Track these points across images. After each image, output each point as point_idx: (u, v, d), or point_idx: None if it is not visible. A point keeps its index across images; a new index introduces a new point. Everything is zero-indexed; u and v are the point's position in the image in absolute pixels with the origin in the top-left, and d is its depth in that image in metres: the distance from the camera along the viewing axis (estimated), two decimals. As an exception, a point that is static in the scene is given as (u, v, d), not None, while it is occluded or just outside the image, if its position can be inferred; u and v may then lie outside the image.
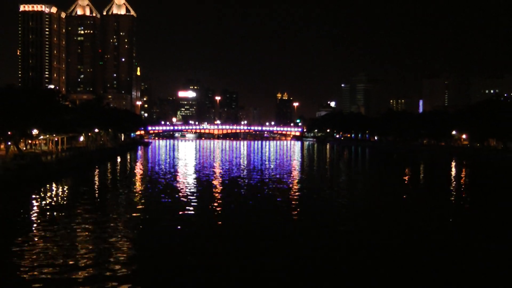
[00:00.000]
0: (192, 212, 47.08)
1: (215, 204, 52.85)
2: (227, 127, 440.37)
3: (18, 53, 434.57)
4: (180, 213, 46.61)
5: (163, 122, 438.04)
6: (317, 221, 43.39)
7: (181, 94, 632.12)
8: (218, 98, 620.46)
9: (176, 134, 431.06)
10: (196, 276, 27.46)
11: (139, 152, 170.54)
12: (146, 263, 29.79)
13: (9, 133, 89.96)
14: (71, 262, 29.13)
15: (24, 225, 41.04)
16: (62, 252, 31.51)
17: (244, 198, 58.13)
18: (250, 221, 43.02)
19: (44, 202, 53.35)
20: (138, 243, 34.78)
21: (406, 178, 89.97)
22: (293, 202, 54.88)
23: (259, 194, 61.50)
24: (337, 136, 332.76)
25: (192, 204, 52.31)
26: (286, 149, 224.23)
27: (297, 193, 62.95)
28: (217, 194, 61.42)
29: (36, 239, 35.07)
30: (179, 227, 39.93)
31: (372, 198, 61.77)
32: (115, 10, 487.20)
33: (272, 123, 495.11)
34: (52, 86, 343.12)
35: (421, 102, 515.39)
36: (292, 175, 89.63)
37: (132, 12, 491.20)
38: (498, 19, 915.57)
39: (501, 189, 71.80)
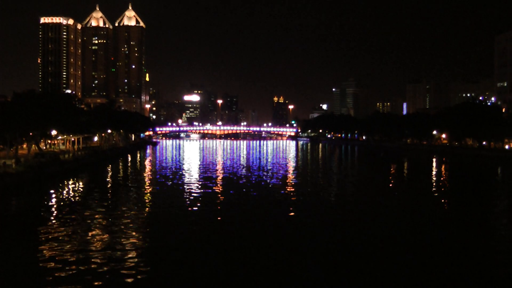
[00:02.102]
0: (199, 202, 47.25)
1: (220, 194, 53.25)
2: (228, 128, 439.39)
3: (38, 61, 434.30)
4: (187, 203, 46.98)
5: (169, 124, 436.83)
6: (311, 205, 44.47)
7: (186, 97, 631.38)
8: (220, 101, 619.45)
9: (182, 135, 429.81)
10: (203, 264, 27.71)
11: (148, 151, 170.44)
12: (154, 250, 30.14)
13: (30, 133, 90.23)
14: (87, 249, 29.47)
15: (45, 216, 41.32)
16: (79, 240, 31.89)
17: (245, 189, 58.57)
18: (252, 209, 43.73)
19: (62, 196, 53.70)
20: (148, 232, 35.16)
21: (392, 172, 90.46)
22: (289, 190, 55.53)
23: (258, 183, 61.96)
24: (329, 136, 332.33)
25: (199, 195, 52.57)
26: (282, 147, 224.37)
27: (292, 182, 63.46)
28: (221, 185, 61.71)
29: (55, 229, 35.38)
30: (187, 217, 40.31)
31: (360, 187, 62.34)
32: (126, 22, 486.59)
33: (269, 124, 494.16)
34: (69, 91, 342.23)
35: (405, 105, 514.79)
36: (287, 169, 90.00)
37: (142, 24, 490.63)
38: (475, 29, 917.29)
39: (473, 181, 72.77)
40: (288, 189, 60.45)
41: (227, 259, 28.23)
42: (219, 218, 40.05)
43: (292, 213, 43.51)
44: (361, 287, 24.13)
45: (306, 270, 26.32)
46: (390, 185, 70.52)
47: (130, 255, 28.31)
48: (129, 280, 24.29)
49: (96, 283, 23.67)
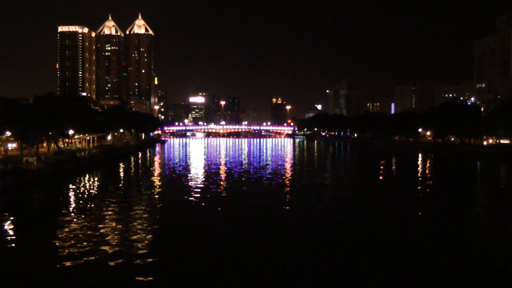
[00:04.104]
0: (207, 196, 47.51)
1: (225, 187, 53.55)
2: (231, 127, 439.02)
3: (56, 66, 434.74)
4: (196, 196, 47.30)
5: (176, 123, 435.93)
6: (307, 197, 44.80)
7: (192, 99, 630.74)
8: (223, 102, 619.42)
9: (188, 133, 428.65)
10: (209, 252, 27.88)
11: (157, 149, 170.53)
12: (164, 240, 30.55)
13: (50, 133, 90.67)
14: (102, 240, 29.79)
15: (63, 209, 41.72)
16: (94, 231, 32.18)
17: (246, 183, 58.90)
18: (252, 202, 44.07)
19: (79, 190, 54.12)
20: (158, 224, 35.54)
21: (382, 166, 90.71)
22: (287, 182, 55.90)
23: (259, 177, 62.22)
24: (323, 134, 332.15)
25: (207, 188, 52.88)
26: (280, 144, 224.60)
27: (290, 175, 63.89)
28: (226, 179, 61.96)
29: (73, 221, 35.76)
30: (195, 212, 40.58)
31: (352, 179, 62.65)
32: (136, 30, 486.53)
33: (268, 123, 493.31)
34: (84, 94, 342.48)
35: (393, 105, 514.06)
36: (285, 163, 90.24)
37: (150, 32, 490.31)
38: (456, 35, 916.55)
39: (455, 174, 73.19)
40: (285, 182, 60.85)
41: (233, 254, 27.35)
42: (226, 212, 39.79)
43: (288, 200, 43.96)
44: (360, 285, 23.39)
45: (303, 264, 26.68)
46: (380, 176, 70.88)
47: (141, 247, 28.67)
48: (138, 273, 24.00)
49: (107, 274, 23.60)
